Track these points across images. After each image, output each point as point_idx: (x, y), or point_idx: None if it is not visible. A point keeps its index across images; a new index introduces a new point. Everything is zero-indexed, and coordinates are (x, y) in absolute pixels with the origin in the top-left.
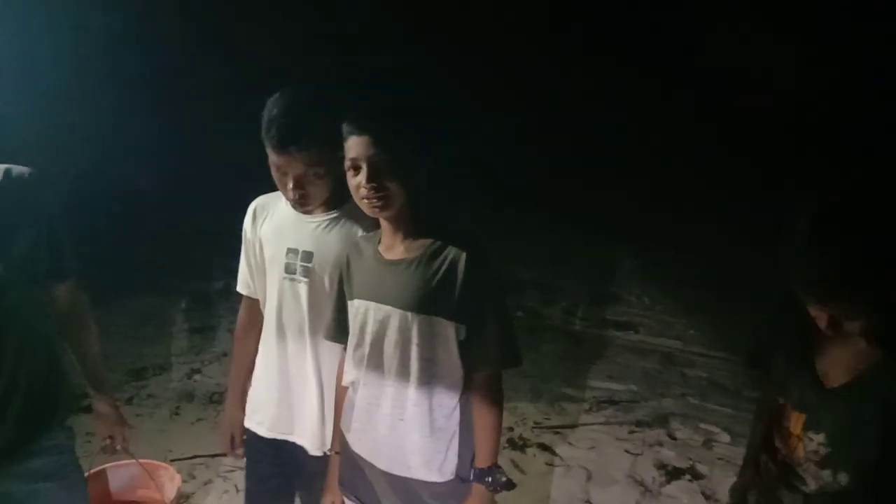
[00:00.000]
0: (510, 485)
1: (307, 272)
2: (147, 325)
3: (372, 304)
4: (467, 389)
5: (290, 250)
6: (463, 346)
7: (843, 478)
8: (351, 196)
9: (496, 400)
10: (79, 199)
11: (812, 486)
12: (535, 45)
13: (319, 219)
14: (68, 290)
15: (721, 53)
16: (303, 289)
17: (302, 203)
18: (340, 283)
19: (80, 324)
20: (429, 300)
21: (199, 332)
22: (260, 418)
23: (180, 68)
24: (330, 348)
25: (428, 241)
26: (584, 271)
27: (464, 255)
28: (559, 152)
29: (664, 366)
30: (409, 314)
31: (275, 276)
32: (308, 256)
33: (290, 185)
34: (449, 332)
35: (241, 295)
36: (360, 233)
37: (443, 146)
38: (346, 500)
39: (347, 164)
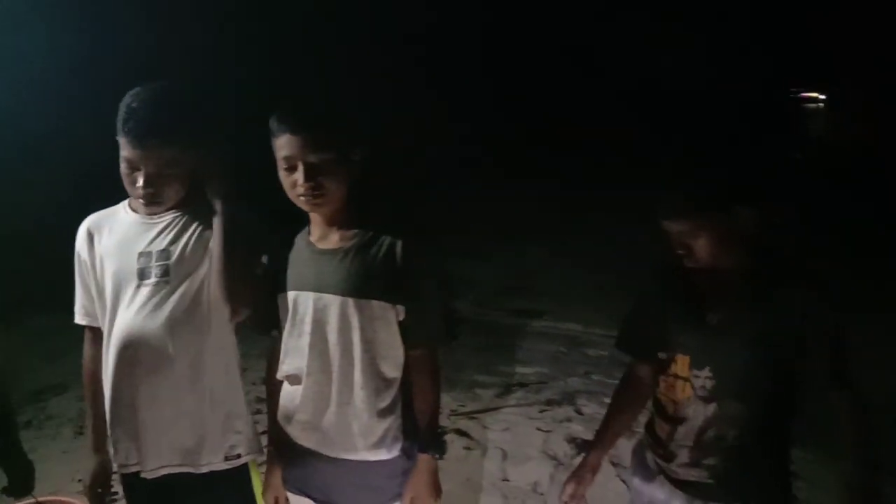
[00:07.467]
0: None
1: (167, 271)
2: (43, 343)
3: (311, 294)
4: (407, 367)
5: (141, 254)
6: (402, 325)
7: (729, 408)
8: (199, 198)
9: (435, 374)
10: None
11: (697, 422)
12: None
13: (169, 218)
14: None
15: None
16: (164, 291)
17: (151, 201)
18: (266, 277)
19: None
20: (369, 285)
21: None
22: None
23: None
24: (205, 364)
25: (362, 229)
26: (493, 264)
27: (400, 240)
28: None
29: (569, 347)
30: (350, 300)
31: (125, 290)
32: (165, 255)
33: (140, 183)
34: (389, 314)
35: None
36: (208, 232)
37: (379, 140)
38: (290, 496)
39: (281, 162)
